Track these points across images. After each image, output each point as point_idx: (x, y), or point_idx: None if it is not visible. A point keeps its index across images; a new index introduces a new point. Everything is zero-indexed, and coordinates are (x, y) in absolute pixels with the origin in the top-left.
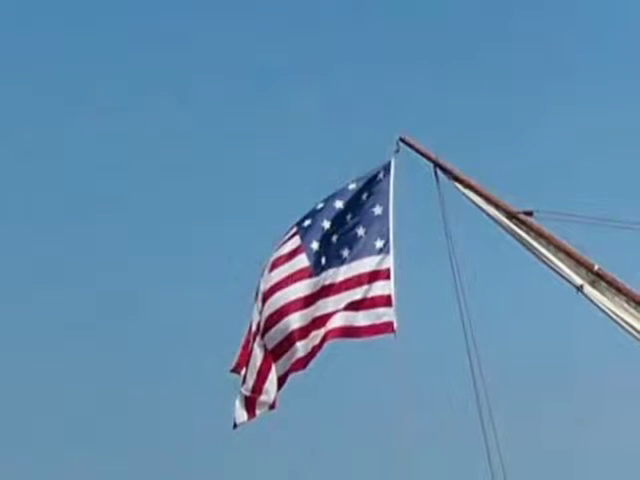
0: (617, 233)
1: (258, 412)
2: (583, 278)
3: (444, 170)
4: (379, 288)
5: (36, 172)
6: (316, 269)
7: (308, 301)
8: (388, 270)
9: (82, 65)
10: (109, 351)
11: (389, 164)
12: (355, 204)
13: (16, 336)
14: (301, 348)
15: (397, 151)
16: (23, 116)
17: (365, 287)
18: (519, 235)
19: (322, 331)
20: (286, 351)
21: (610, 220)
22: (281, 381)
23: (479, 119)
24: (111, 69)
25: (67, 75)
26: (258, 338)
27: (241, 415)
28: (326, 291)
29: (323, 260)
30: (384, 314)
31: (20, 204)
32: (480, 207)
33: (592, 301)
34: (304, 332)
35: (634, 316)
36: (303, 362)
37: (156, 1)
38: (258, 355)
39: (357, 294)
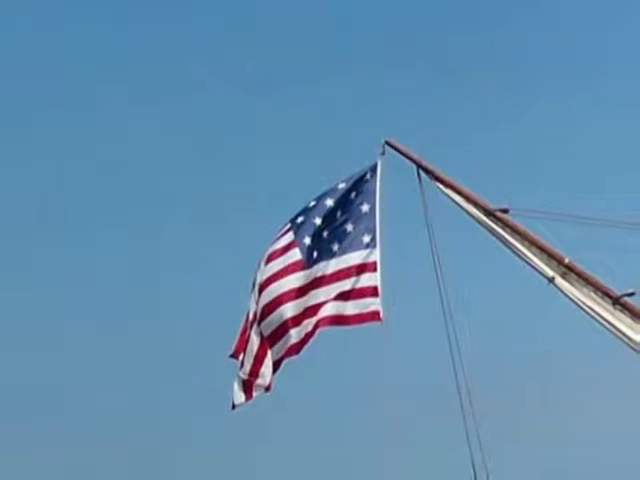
0: (584, 228)
1: (255, 394)
2: (555, 270)
3: (426, 171)
4: (366, 280)
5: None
6: (308, 262)
7: (301, 292)
8: (375, 263)
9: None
10: (112, 336)
11: (376, 165)
12: (344, 202)
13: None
14: (294, 335)
15: (383, 153)
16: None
17: (353, 279)
18: (496, 231)
19: (314, 319)
20: (281, 338)
21: (578, 216)
22: (276, 365)
23: (460, 124)
24: (112, 72)
25: (68, 77)
26: (255, 326)
27: (239, 397)
28: (317, 282)
29: (315, 254)
30: (371, 304)
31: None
32: (460, 205)
33: (563, 291)
34: (297, 320)
35: (600, 305)
36: (296, 348)
37: (157, 10)
38: (255, 341)
39: (346, 285)
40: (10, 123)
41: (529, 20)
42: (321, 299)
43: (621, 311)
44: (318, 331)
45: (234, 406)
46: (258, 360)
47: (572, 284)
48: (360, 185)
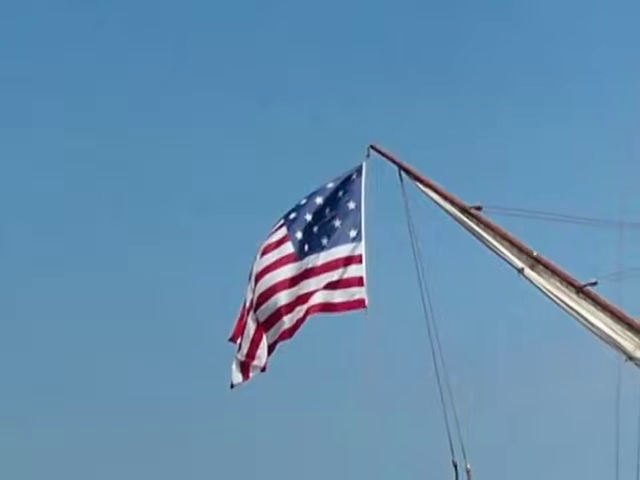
0: (551, 223)
1: (251, 374)
2: (524, 262)
3: (407, 172)
4: (353, 271)
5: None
6: (300, 255)
7: (293, 282)
8: (360, 256)
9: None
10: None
11: (361, 167)
12: (333, 200)
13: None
14: (287, 321)
15: (368, 156)
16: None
17: (341, 270)
18: (470, 226)
19: (305, 307)
20: (275, 323)
21: (546, 213)
22: (271, 348)
23: (438, 130)
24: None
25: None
26: (251, 312)
27: (237, 377)
28: (308, 273)
29: (306, 247)
30: (357, 292)
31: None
32: (437, 203)
33: (531, 281)
34: (290, 307)
35: (565, 293)
36: (289, 332)
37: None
38: (251, 327)
39: (334, 276)
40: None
41: (499, 33)
42: (311, 288)
43: (584, 299)
44: (309, 317)
45: (232, 386)
46: (254, 343)
47: (540, 274)
48: (347, 185)
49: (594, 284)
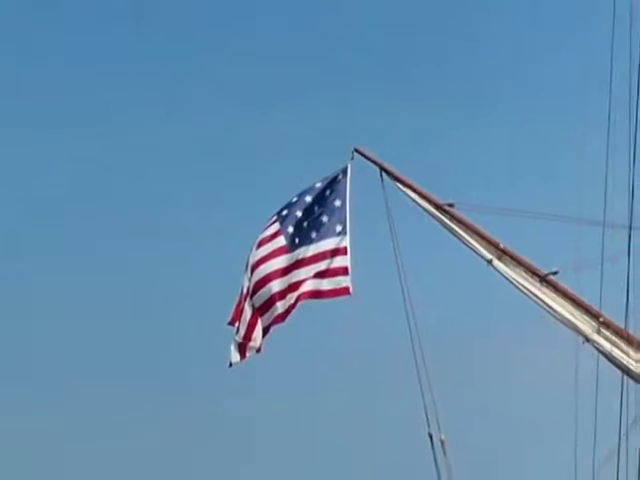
0: (518, 219)
1: (248, 354)
2: (492, 254)
3: (387, 173)
4: (339, 261)
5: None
6: (291, 247)
7: (285, 271)
8: (345, 248)
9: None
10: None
11: (346, 168)
12: (321, 198)
13: None
14: (280, 306)
15: (352, 158)
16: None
17: (328, 260)
18: (444, 221)
19: (296, 294)
20: (269, 309)
21: (513, 209)
22: (265, 331)
23: (418, 133)
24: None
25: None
26: (248, 299)
27: (235, 357)
28: (299, 264)
29: (296, 240)
30: (342, 281)
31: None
32: (414, 200)
33: (499, 271)
34: (282, 294)
35: (530, 282)
36: (282, 317)
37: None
38: (248, 311)
39: (322, 266)
40: None
41: (479, 42)
42: (302, 277)
43: (546, 287)
44: (299, 303)
45: (231, 364)
46: (250, 327)
47: (506, 265)
48: (333, 184)
49: (555, 273)
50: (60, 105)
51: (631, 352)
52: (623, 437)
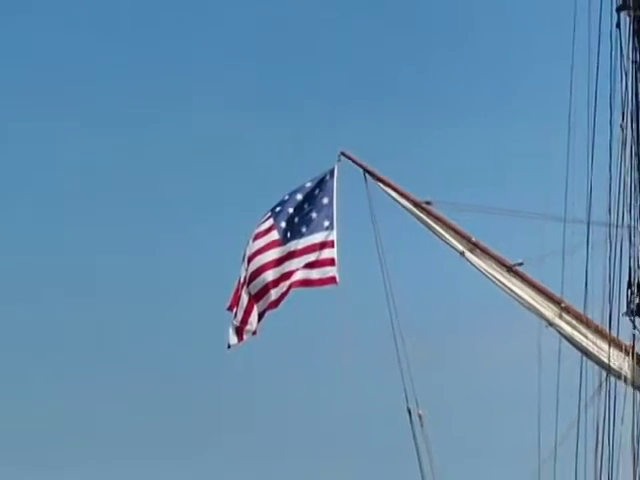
0: (488, 215)
1: (245, 337)
2: (464, 246)
3: (370, 173)
4: (326, 253)
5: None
6: (284, 241)
7: (278, 262)
8: (332, 241)
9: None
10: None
11: (333, 169)
12: (310, 196)
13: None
14: (274, 294)
15: (339, 160)
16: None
17: (317, 252)
18: (421, 218)
19: (288, 282)
20: (263, 296)
21: (484, 206)
22: (260, 316)
23: (397, 138)
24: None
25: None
26: (245, 287)
27: (233, 339)
28: (290, 255)
29: (288, 234)
30: (330, 271)
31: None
32: (395, 199)
33: (471, 262)
34: (276, 283)
35: (498, 272)
36: (275, 303)
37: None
38: (245, 298)
39: (311, 257)
40: None
41: (457, 51)
42: (293, 267)
43: (513, 276)
44: (292, 291)
45: (229, 346)
46: (247, 312)
47: (477, 256)
48: (322, 184)
49: (521, 264)
50: (60, 106)
51: (589, 335)
52: (582, 409)
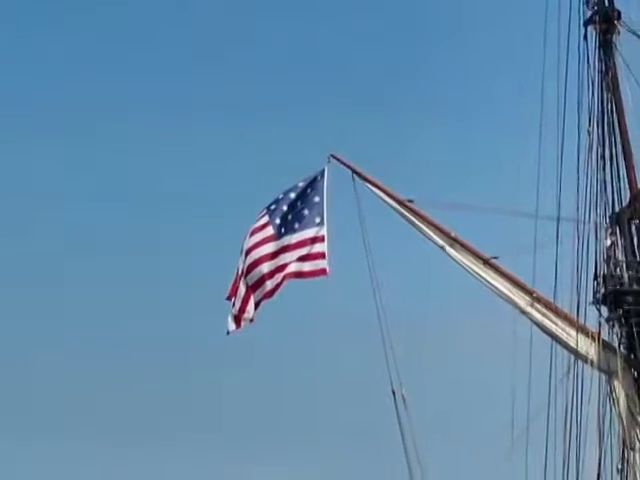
0: (467, 212)
1: (242, 324)
2: (444, 241)
3: (358, 174)
4: (317, 247)
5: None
6: (278, 236)
7: (273, 256)
8: (323, 236)
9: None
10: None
11: (324, 170)
12: (303, 195)
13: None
14: (269, 284)
15: (329, 162)
16: None
17: (309, 247)
18: (404, 215)
19: (282, 274)
20: (260, 286)
21: (463, 204)
22: (257, 305)
23: (383, 141)
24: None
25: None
26: (242, 278)
27: (232, 326)
28: (284, 249)
29: (282, 230)
30: (321, 264)
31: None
32: (381, 197)
33: (451, 256)
34: (271, 275)
35: (475, 264)
36: (270, 293)
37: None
38: (242, 289)
39: (304, 251)
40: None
41: (442, 59)
42: (287, 260)
43: (489, 269)
44: (286, 282)
45: (228, 332)
46: (245, 301)
47: (457, 250)
48: (313, 184)
49: (496, 258)
50: (61, 109)
51: (559, 322)
52: (552, 391)
